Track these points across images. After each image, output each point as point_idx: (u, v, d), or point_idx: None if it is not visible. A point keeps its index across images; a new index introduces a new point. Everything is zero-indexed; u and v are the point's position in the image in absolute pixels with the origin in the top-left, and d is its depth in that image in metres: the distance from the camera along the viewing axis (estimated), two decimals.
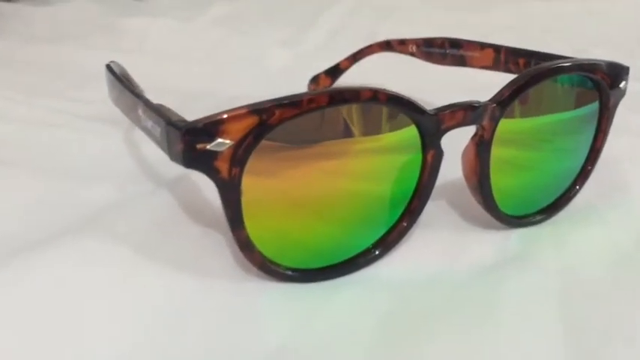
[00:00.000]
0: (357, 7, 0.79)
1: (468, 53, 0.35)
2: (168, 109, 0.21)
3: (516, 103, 0.26)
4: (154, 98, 0.23)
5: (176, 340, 0.19)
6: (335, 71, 0.41)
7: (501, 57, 0.34)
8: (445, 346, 0.19)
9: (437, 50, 0.37)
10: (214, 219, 0.25)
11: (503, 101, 0.24)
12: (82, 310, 0.20)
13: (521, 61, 0.33)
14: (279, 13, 0.73)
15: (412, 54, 0.38)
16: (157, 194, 0.28)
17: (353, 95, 0.21)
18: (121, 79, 0.26)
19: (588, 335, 0.20)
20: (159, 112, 0.21)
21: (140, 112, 0.23)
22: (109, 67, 0.28)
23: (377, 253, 0.23)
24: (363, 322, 0.20)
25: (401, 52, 0.39)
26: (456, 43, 0.36)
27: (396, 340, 0.19)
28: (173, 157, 0.20)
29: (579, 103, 0.27)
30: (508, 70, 0.33)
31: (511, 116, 0.26)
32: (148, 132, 0.22)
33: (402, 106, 0.22)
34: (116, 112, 0.27)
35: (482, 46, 0.34)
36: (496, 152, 0.25)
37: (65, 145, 0.34)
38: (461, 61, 0.36)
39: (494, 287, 0.22)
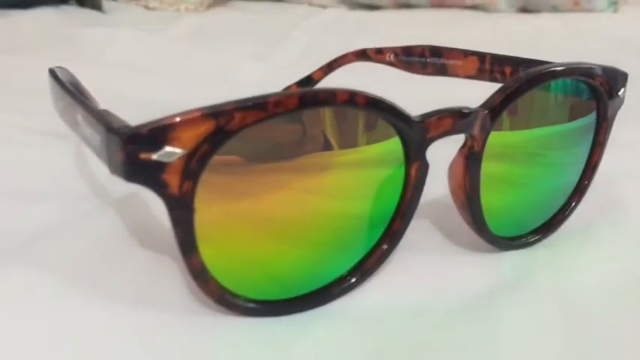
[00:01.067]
0: (332, 22, 0.77)
1: (450, 62, 0.33)
2: (111, 115, 0.18)
3: (507, 114, 0.23)
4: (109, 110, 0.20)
5: None
6: (307, 82, 0.38)
7: (486, 65, 0.31)
8: None
9: (417, 59, 0.34)
10: (167, 243, 0.22)
11: (495, 108, 0.21)
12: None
13: (507, 69, 0.30)
14: (250, 29, 0.70)
15: (390, 63, 0.36)
16: (102, 214, 0.24)
17: (327, 97, 0.18)
18: (62, 84, 0.23)
19: None
20: (98, 117, 0.18)
21: (79, 118, 0.20)
22: (52, 72, 0.25)
23: (353, 280, 0.20)
24: None
25: (378, 61, 0.36)
26: (437, 52, 0.33)
27: None
28: (113, 170, 0.17)
29: (574, 115, 0.25)
30: (493, 80, 0.31)
31: (501, 129, 0.23)
32: (88, 141, 0.19)
33: (383, 112, 0.19)
34: (65, 126, 0.24)
35: (466, 53, 0.32)
36: (485, 167, 0.22)
37: (10, 160, 0.31)
38: (442, 71, 0.33)
39: (489, 318, 0.19)
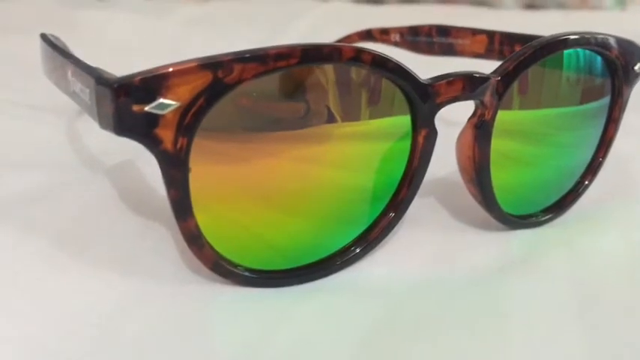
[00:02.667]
0: (334, 14, 0.76)
1: (458, 41, 0.32)
2: (103, 70, 0.17)
3: (518, 93, 0.22)
4: None
5: (103, 356, 0.15)
6: None
7: (495, 44, 0.30)
8: None
9: (423, 39, 0.33)
10: (159, 210, 0.21)
11: (508, 75, 0.20)
12: None
13: (517, 47, 0.29)
14: (250, 18, 0.69)
15: (396, 44, 0.35)
16: (92, 182, 0.23)
17: (331, 52, 0.17)
18: (54, 45, 0.22)
19: (612, 352, 0.16)
20: (88, 70, 0.17)
21: (70, 75, 0.19)
22: (43, 36, 0.24)
23: (357, 251, 0.19)
24: (340, 337, 0.16)
25: (383, 42, 0.35)
26: (444, 31, 0.32)
27: (382, 358, 0.15)
28: (103, 123, 0.16)
29: (589, 94, 0.24)
30: (503, 59, 0.30)
31: (513, 107, 0.22)
32: (78, 99, 0.18)
33: (390, 72, 0.18)
34: (60, 102, 0.23)
35: (474, 32, 0.31)
36: (497, 144, 0.21)
37: (2, 132, 0.30)
38: (450, 50, 0.32)
39: (498, 296, 0.18)
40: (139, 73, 0.15)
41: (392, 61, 0.18)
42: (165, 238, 0.19)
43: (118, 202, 0.22)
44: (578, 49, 0.22)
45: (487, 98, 0.20)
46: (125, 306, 0.16)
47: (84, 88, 0.17)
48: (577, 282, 0.19)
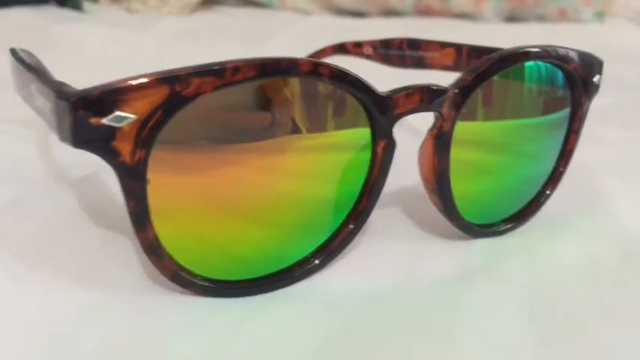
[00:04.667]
0: (316, 28, 0.76)
1: (428, 54, 0.32)
2: (66, 85, 0.17)
3: (481, 104, 0.23)
4: None
5: None
6: None
7: (463, 56, 0.31)
8: None
9: (395, 52, 0.34)
10: (123, 221, 0.21)
11: (466, 87, 0.20)
12: None
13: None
14: (232, 32, 0.69)
15: (368, 57, 0.35)
16: (57, 195, 0.23)
17: (289, 66, 0.17)
18: (21, 60, 0.22)
19: (559, 354, 0.16)
20: (49, 84, 0.17)
21: (33, 89, 0.19)
22: (13, 51, 0.24)
23: (316, 262, 0.20)
24: (296, 345, 0.16)
25: (357, 55, 0.36)
26: (414, 44, 0.33)
27: None
28: (62, 136, 0.16)
29: (550, 105, 0.24)
30: None
31: (475, 118, 0.23)
32: (41, 113, 0.18)
33: (348, 85, 0.18)
34: (32, 116, 0.23)
35: (443, 45, 0.31)
36: (459, 154, 0.22)
37: None
38: (420, 63, 0.33)
39: (454, 304, 0.19)
40: (96, 87, 0.16)
41: (350, 74, 0.18)
42: (128, 249, 0.20)
43: (82, 214, 0.22)
44: (539, 62, 0.23)
45: (445, 110, 0.20)
46: (84, 317, 0.17)
47: (45, 102, 0.17)
48: (533, 290, 0.19)
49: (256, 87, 0.18)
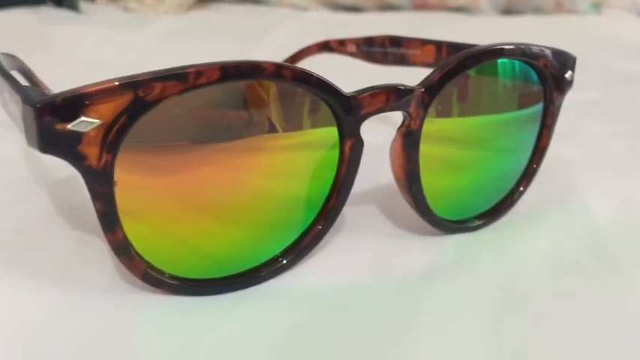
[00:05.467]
0: (312, 23, 0.77)
1: (410, 51, 0.32)
2: (32, 89, 0.18)
3: (455, 101, 0.23)
4: None
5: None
6: None
7: (443, 53, 0.31)
8: None
9: (378, 49, 0.34)
10: (97, 223, 0.21)
11: (432, 86, 0.21)
12: None
13: None
14: (227, 30, 0.70)
15: (352, 54, 0.36)
16: (35, 197, 0.24)
17: (251, 69, 0.18)
18: (1, 69, 0.23)
19: (519, 350, 0.17)
20: (18, 90, 0.18)
21: (6, 95, 0.19)
22: None
23: (284, 262, 0.20)
24: (261, 342, 0.17)
25: (341, 52, 0.36)
26: (396, 41, 0.33)
27: None
28: (29, 141, 0.16)
29: (524, 100, 0.25)
30: None
31: (449, 115, 0.23)
32: (13, 118, 0.19)
33: (312, 87, 0.19)
34: None
35: (424, 42, 0.32)
36: (431, 151, 0.22)
37: None
38: (402, 60, 0.33)
39: (419, 298, 0.19)
40: (61, 93, 0.16)
41: (313, 76, 0.19)
42: (103, 251, 0.20)
43: (58, 216, 0.22)
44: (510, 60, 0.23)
45: (412, 109, 0.20)
46: (56, 317, 0.17)
47: (15, 108, 0.18)
48: (500, 285, 0.20)
49: (227, 88, 0.18)
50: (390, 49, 0.34)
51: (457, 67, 0.21)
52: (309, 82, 0.19)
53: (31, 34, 0.54)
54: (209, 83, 0.17)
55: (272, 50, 0.59)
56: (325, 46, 0.37)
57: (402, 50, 0.33)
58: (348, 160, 0.20)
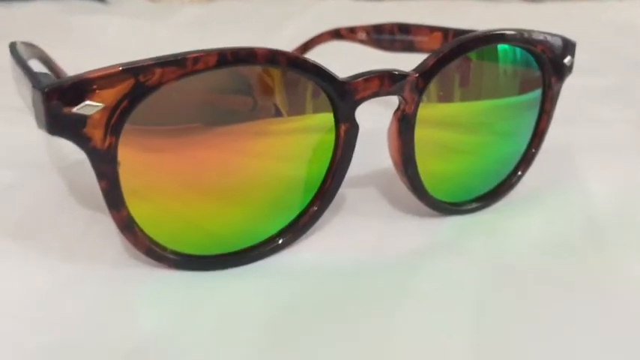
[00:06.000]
0: (332, 12, 0.77)
1: (417, 38, 0.33)
2: (42, 75, 0.19)
3: (453, 86, 0.24)
4: None
5: (36, 328, 0.17)
6: None
7: (449, 39, 0.31)
8: (338, 344, 0.17)
9: (387, 37, 0.35)
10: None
11: (427, 71, 0.21)
12: None
13: None
14: (249, 19, 0.70)
15: (362, 41, 0.36)
16: (50, 178, 0.25)
17: (247, 55, 0.18)
18: (15, 54, 0.24)
19: (498, 327, 0.17)
20: (30, 75, 0.19)
21: (22, 81, 0.21)
22: (11, 46, 0.26)
23: (280, 242, 0.21)
24: (254, 313, 0.18)
25: (351, 40, 0.37)
26: (405, 28, 0.34)
27: (286, 336, 0.17)
28: (39, 124, 0.18)
29: (521, 85, 0.25)
30: None
31: (447, 100, 0.24)
32: (27, 102, 0.20)
33: (307, 72, 0.20)
34: None
35: (431, 29, 0.32)
36: (429, 135, 0.23)
37: None
38: (410, 47, 0.34)
39: (410, 273, 0.20)
40: (67, 78, 0.17)
41: (308, 62, 0.19)
42: (111, 228, 0.21)
43: (70, 197, 0.24)
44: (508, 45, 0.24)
45: (407, 93, 0.21)
46: (61, 286, 0.18)
47: (27, 93, 0.19)
48: (488, 262, 0.20)
49: (229, 73, 0.19)
50: (398, 37, 0.34)
51: (451, 53, 0.22)
52: (303, 68, 0.19)
53: (57, 24, 0.56)
54: (207, 69, 0.18)
55: (289, 38, 0.60)
56: (336, 34, 0.37)
57: (410, 37, 0.33)
58: (344, 144, 0.21)
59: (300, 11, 0.75)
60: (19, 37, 0.53)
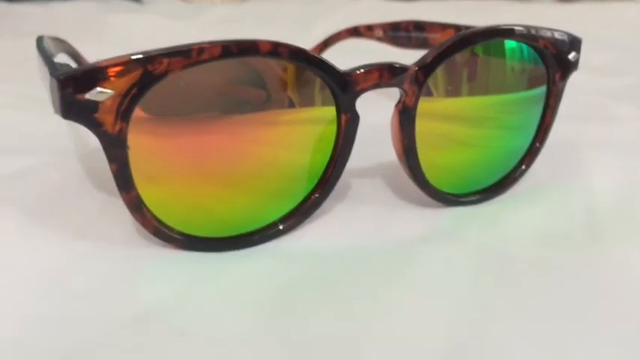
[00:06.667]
0: (364, 12, 0.78)
1: (431, 35, 0.34)
2: (60, 64, 0.20)
3: (458, 80, 0.24)
4: None
5: (41, 302, 0.18)
6: None
7: None
8: (329, 323, 0.17)
9: (403, 34, 0.36)
10: None
11: (427, 65, 0.22)
12: None
13: None
14: (279, 19, 0.72)
15: (379, 39, 0.37)
16: (69, 164, 0.27)
17: (250, 47, 0.19)
18: (40, 46, 0.25)
19: (487, 313, 0.18)
20: (49, 64, 0.20)
21: (44, 70, 0.22)
22: (38, 39, 0.27)
23: (282, 227, 0.22)
24: (254, 292, 0.19)
25: (369, 37, 0.38)
26: (419, 26, 0.35)
27: (282, 310, 0.18)
28: (55, 109, 0.19)
29: (526, 80, 0.26)
30: None
31: (452, 93, 0.24)
32: (48, 90, 0.21)
33: (308, 64, 0.20)
34: None
35: (444, 26, 0.33)
36: (433, 127, 0.23)
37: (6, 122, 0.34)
38: (425, 44, 0.34)
39: (403, 261, 0.20)
40: (81, 67, 0.18)
41: (309, 54, 0.20)
42: (123, 209, 0.22)
43: (87, 180, 0.25)
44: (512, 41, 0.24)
45: (407, 86, 0.22)
46: (74, 262, 0.20)
47: (46, 81, 0.20)
48: (486, 251, 0.21)
49: (238, 64, 0.20)
50: (414, 34, 0.35)
51: (452, 47, 0.22)
52: (305, 60, 0.20)
53: (93, 22, 0.58)
54: (211, 59, 0.19)
55: (317, 38, 0.61)
56: (354, 32, 0.38)
57: (425, 34, 0.34)
58: (344, 133, 0.22)
59: (332, 11, 0.76)
60: (55, 34, 0.55)
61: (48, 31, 0.56)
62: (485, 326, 0.17)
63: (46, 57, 0.22)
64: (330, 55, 0.40)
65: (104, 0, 0.73)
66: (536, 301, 0.18)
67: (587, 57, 0.52)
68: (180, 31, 0.58)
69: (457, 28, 0.32)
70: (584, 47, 0.57)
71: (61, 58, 0.28)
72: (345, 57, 0.31)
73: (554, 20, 0.70)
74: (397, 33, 0.36)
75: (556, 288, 0.19)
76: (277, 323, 0.17)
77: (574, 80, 0.42)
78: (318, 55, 0.20)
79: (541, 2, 0.85)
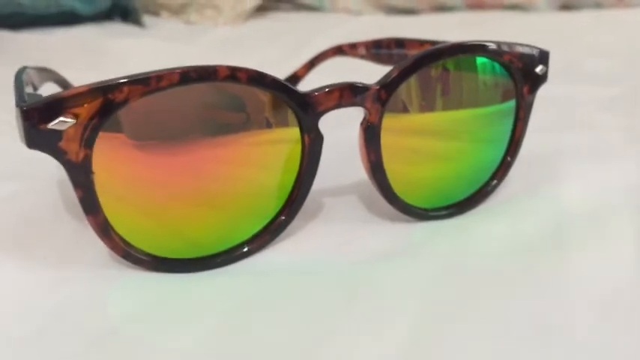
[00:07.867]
0: (364, 28, 0.79)
1: (410, 51, 0.34)
2: (28, 94, 0.21)
3: (438, 95, 0.25)
4: None
5: (15, 324, 0.19)
6: (293, 79, 0.40)
7: None
8: (282, 339, 0.18)
9: (384, 51, 0.36)
10: None
11: (388, 84, 0.22)
12: None
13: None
14: (278, 38, 0.72)
15: (362, 57, 0.37)
16: (44, 190, 0.27)
17: (208, 73, 0.20)
18: (18, 79, 0.26)
19: (438, 325, 0.18)
20: (19, 94, 0.21)
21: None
22: (19, 71, 0.28)
23: (248, 249, 0.22)
24: (217, 304, 0.20)
25: (353, 55, 0.38)
26: (400, 43, 0.35)
27: (245, 321, 0.19)
28: (21, 138, 0.20)
29: (494, 95, 0.26)
30: None
31: (434, 109, 0.25)
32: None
33: (268, 87, 0.21)
34: None
35: (422, 43, 0.33)
36: (401, 142, 0.24)
37: None
38: None
39: (367, 274, 0.21)
40: (44, 97, 0.19)
41: (267, 77, 0.21)
42: (93, 234, 0.23)
43: (61, 206, 0.26)
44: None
45: (369, 105, 0.22)
46: (48, 288, 0.20)
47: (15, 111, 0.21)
48: (444, 263, 0.21)
49: (212, 88, 0.21)
50: (395, 51, 0.35)
51: (413, 65, 0.23)
52: (263, 84, 0.21)
53: (93, 48, 0.59)
54: (171, 85, 0.20)
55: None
56: (339, 50, 0.39)
57: (405, 51, 0.34)
58: (309, 154, 0.22)
59: (332, 28, 0.76)
60: (55, 63, 0.56)
61: (46, 60, 0.57)
62: (433, 338, 0.18)
63: (17, 87, 0.23)
64: (319, 74, 0.41)
65: (106, 25, 0.74)
66: (490, 312, 0.19)
67: (579, 65, 0.52)
68: (181, 54, 0.59)
69: (432, 43, 0.33)
70: (578, 56, 0.57)
71: (49, 88, 0.29)
72: (329, 76, 0.32)
73: (554, 29, 0.70)
74: (379, 50, 0.36)
75: (509, 299, 0.19)
76: (231, 340, 0.18)
77: (563, 90, 0.42)
78: (274, 77, 0.21)
79: (542, 12, 0.85)
